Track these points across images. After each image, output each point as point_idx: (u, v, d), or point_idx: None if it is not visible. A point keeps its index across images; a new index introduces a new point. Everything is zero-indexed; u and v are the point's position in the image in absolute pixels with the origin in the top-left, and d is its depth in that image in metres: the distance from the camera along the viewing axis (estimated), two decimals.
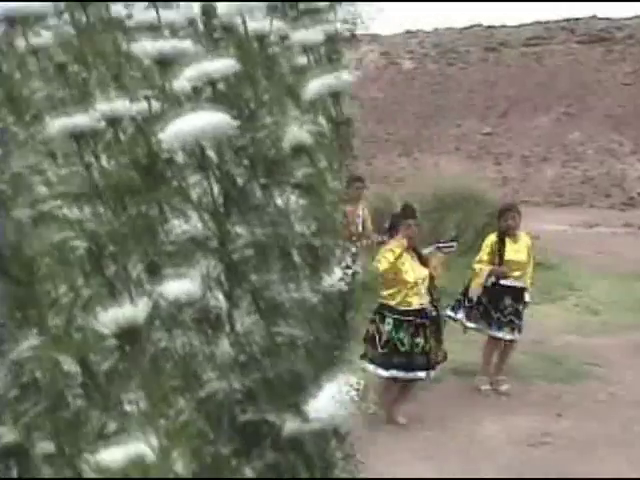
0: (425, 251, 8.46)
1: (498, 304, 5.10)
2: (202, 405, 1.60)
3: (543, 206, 26.12)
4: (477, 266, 5.15)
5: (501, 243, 5.17)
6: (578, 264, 12.38)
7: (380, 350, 4.11)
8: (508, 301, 5.13)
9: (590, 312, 8.40)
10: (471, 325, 5.17)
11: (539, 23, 33.82)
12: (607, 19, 29.26)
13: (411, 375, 4.11)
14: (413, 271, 4.12)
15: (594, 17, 30.22)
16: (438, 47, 43.28)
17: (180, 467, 1.50)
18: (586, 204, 26.04)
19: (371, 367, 4.15)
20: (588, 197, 26.48)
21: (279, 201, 1.72)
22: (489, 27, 41.54)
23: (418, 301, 4.11)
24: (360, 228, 6.63)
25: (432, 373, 4.21)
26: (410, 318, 4.05)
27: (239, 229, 1.66)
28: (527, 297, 5.29)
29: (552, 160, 32.54)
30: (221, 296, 1.68)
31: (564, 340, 7.02)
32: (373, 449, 3.95)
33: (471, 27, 41.12)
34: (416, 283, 4.09)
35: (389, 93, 42.20)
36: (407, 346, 4.02)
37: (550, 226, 19.71)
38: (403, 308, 4.08)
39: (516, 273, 5.20)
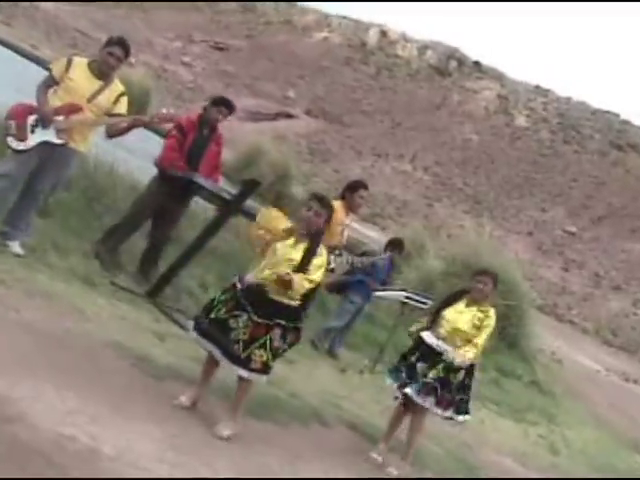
0: (391, 294, 7.88)
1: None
2: None
3: (591, 336, 24.61)
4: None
5: (452, 297, 5.03)
6: (580, 405, 11.46)
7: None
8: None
9: (549, 449, 7.50)
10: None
11: None
12: None
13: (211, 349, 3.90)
14: (280, 254, 3.87)
15: None
16: (562, 118, 40.52)
17: None
18: (639, 356, 24.70)
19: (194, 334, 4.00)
20: None
21: None
22: (625, 122, 38.68)
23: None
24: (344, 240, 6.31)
25: (237, 371, 3.87)
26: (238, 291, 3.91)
27: None
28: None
29: (625, 292, 30.59)
30: None
31: (496, 460, 6.30)
32: None
33: (606, 112, 38.75)
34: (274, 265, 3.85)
35: (486, 141, 39.82)
36: (214, 313, 3.88)
37: (584, 359, 18.41)
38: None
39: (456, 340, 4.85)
